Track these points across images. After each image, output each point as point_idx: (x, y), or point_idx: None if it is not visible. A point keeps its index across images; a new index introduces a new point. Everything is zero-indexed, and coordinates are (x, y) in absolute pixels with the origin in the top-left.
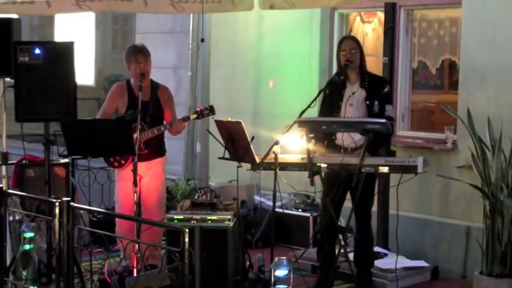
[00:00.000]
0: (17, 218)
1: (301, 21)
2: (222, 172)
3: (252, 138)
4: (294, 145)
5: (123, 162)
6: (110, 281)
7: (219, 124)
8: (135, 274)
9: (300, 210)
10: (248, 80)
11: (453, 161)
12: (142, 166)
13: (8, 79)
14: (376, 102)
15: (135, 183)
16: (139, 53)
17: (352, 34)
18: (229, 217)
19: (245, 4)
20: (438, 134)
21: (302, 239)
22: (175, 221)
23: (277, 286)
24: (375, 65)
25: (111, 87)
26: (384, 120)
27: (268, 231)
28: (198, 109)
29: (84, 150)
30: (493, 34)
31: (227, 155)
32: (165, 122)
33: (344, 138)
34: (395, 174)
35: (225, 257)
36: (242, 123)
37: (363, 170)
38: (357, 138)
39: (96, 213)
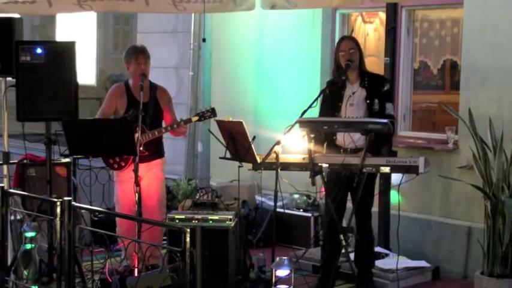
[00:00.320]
0: (18, 217)
1: (303, 21)
2: (223, 172)
3: (253, 138)
4: (295, 145)
5: (123, 164)
6: (111, 280)
7: (220, 124)
8: (136, 274)
9: (301, 210)
10: (249, 80)
11: (454, 162)
12: (141, 167)
13: (9, 78)
14: (376, 101)
15: (136, 184)
16: (140, 54)
17: (352, 35)
18: (231, 217)
19: (247, 4)
20: (439, 134)
21: (303, 239)
22: (177, 221)
23: (278, 286)
24: (376, 65)
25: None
26: (385, 120)
27: (270, 231)
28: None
29: (85, 150)
30: (494, 34)
31: (228, 155)
32: (164, 124)
33: (345, 139)
34: (397, 175)
35: (226, 256)
36: (243, 123)
37: (364, 170)
38: (356, 138)
39: (97, 213)
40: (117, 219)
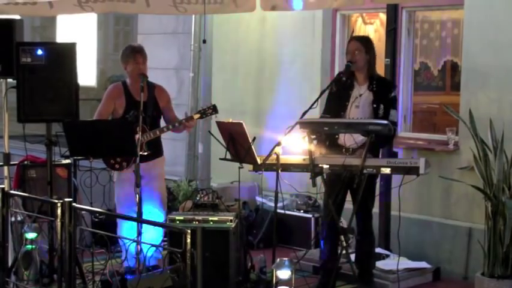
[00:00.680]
0: (19, 218)
1: (303, 23)
2: (224, 173)
3: (254, 139)
4: (296, 146)
5: (124, 164)
6: (111, 281)
7: (221, 125)
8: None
9: (302, 211)
10: (250, 81)
11: (455, 163)
12: (141, 167)
13: (10, 80)
14: (382, 106)
15: (137, 185)
16: (138, 54)
17: (361, 34)
18: (231, 218)
19: (247, 5)
20: (440, 135)
21: (304, 240)
22: (177, 222)
23: (278, 287)
24: (376, 66)
25: None
26: (385, 122)
27: (270, 232)
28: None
29: (86, 151)
30: (495, 35)
31: (229, 156)
32: (164, 123)
33: (346, 139)
34: (398, 175)
35: (226, 258)
36: (243, 124)
37: (365, 171)
38: (359, 139)
39: (97, 214)
40: (118, 220)
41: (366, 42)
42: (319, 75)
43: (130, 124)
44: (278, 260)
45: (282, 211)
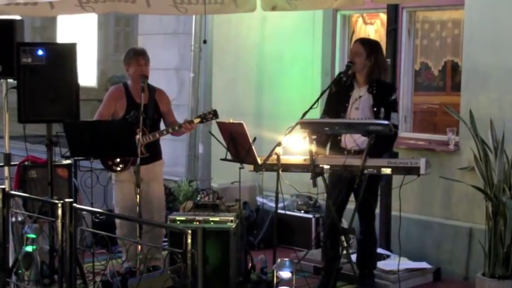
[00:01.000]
0: (20, 219)
1: (304, 23)
2: (224, 173)
3: (254, 140)
4: (297, 146)
5: (122, 166)
6: (112, 282)
7: (221, 126)
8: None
9: (303, 211)
10: (250, 82)
11: (455, 163)
12: (141, 169)
13: (10, 80)
14: (383, 110)
15: (138, 185)
16: (140, 56)
17: (353, 36)
18: (232, 218)
19: (247, 6)
20: (440, 135)
21: (304, 240)
22: (178, 223)
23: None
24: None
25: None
26: (386, 122)
27: (271, 232)
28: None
29: (86, 152)
30: (495, 35)
31: (229, 157)
32: (164, 126)
33: (347, 141)
34: (398, 176)
35: (227, 258)
36: (244, 124)
37: (366, 171)
38: (360, 141)
39: (98, 215)
40: (117, 221)
41: (368, 45)
42: (319, 76)
43: (131, 125)
44: (279, 260)
45: (283, 211)
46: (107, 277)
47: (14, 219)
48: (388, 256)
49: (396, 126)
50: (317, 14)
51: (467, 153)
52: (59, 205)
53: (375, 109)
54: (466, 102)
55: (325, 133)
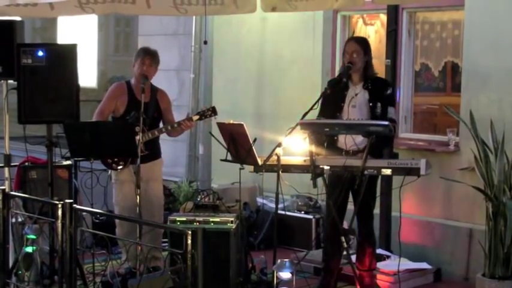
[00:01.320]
0: (20, 219)
1: (304, 24)
2: (225, 174)
3: (254, 140)
4: (297, 147)
5: (121, 164)
6: (112, 283)
7: (221, 126)
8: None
9: (303, 212)
10: (250, 82)
11: (456, 163)
12: (140, 168)
13: (11, 81)
14: (379, 105)
15: (138, 186)
16: (147, 55)
17: (359, 35)
18: (232, 219)
19: (248, 6)
20: (441, 136)
21: (304, 241)
22: (178, 223)
23: None
24: (377, 67)
25: None
26: (386, 122)
27: (271, 233)
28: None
29: (86, 152)
30: (495, 36)
31: (229, 157)
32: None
33: (346, 141)
34: (398, 176)
35: (227, 259)
36: (244, 125)
37: (366, 172)
38: (359, 140)
39: (98, 215)
40: (117, 221)
41: (364, 43)
42: (319, 76)
43: (130, 126)
44: (279, 261)
45: (283, 212)
46: (107, 278)
47: (14, 220)
48: (388, 257)
49: (394, 121)
50: (317, 15)
51: (467, 154)
52: (59, 206)
53: (371, 104)
54: (466, 102)
55: (325, 134)
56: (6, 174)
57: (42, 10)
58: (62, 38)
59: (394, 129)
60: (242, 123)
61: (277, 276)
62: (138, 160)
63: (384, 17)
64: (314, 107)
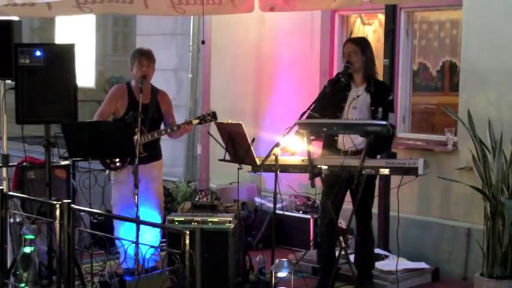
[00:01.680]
0: (18, 220)
1: (302, 23)
2: (223, 174)
3: (253, 140)
4: (295, 147)
5: (119, 164)
6: (110, 282)
7: (220, 126)
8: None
9: (301, 212)
10: (249, 82)
11: (454, 163)
12: (139, 169)
13: (8, 81)
14: (380, 109)
15: (136, 186)
16: (144, 56)
17: (358, 36)
18: (230, 219)
19: (245, 6)
20: (439, 135)
21: (303, 240)
22: (176, 223)
23: None
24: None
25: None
26: (384, 122)
27: (269, 233)
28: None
29: (84, 152)
30: (493, 36)
31: (228, 157)
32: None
33: (345, 142)
34: (396, 176)
35: (225, 258)
36: (242, 125)
37: (364, 172)
38: (358, 141)
39: (96, 215)
40: (115, 221)
41: (360, 43)
42: (318, 76)
43: (129, 126)
44: (277, 260)
45: (281, 212)
46: (105, 278)
47: (12, 220)
48: (386, 256)
49: (394, 127)
50: (315, 15)
51: (465, 154)
52: (57, 206)
53: (373, 108)
54: (464, 102)
55: (323, 133)
56: (4, 175)
57: (40, 10)
58: (60, 38)
59: (393, 135)
60: (240, 123)
61: (275, 276)
62: (136, 160)
63: (382, 17)
64: (312, 107)
